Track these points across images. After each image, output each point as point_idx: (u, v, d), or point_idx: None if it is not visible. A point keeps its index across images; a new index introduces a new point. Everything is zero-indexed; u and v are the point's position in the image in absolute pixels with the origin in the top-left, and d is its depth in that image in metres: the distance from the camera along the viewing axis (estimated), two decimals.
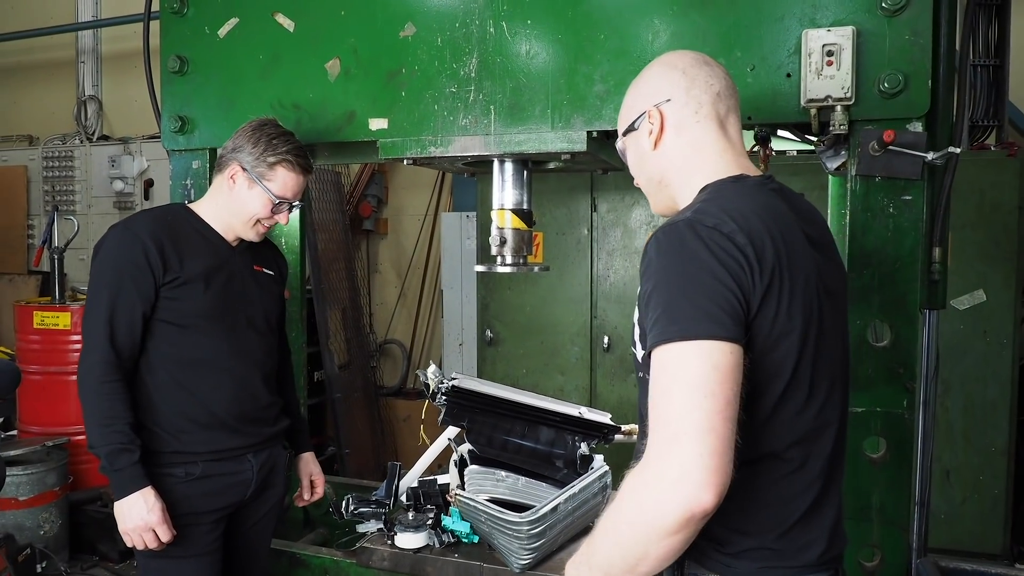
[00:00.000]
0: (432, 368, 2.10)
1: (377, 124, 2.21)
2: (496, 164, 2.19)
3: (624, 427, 2.15)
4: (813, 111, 1.81)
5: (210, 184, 2.07)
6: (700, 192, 1.19)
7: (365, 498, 2.13)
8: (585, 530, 1.15)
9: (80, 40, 5.94)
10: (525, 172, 2.19)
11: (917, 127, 1.79)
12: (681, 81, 1.24)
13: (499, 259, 2.18)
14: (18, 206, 5.53)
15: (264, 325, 1.98)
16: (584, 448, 2.10)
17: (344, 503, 2.12)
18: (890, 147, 1.76)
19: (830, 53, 1.77)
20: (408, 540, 1.95)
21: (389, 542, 1.99)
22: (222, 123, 2.36)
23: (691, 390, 0.97)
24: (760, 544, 1.13)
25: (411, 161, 2.21)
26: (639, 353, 1.14)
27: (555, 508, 1.78)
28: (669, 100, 1.24)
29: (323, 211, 4.76)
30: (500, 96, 2.08)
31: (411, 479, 2.18)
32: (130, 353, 1.79)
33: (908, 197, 1.82)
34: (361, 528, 2.13)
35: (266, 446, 1.98)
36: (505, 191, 2.18)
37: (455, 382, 2.05)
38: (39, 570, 3.32)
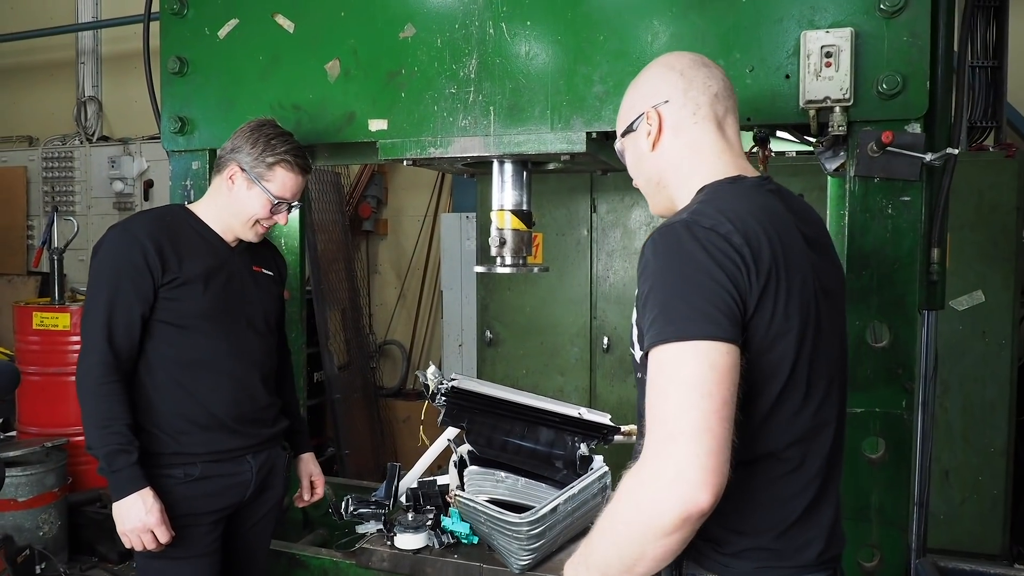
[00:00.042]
0: (432, 369, 2.10)
1: (377, 125, 2.21)
2: (495, 165, 2.19)
3: (624, 428, 2.15)
4: (812, 112, 1.82)
5: (209, 185, 2.07)
6: (698, 193, 1.20)
7: (365, 499, 2.13)
8: (585, 531, 1.15)
9: (80, 41, 5.94)
10: (524, 173, 2.19)
11: (915, 128, 1.79)
12: (679, 83, 1.24)
13: (499, 260, 2.19)
14: (18, 207, 5.53)
15: (263, 326, 1.98)
16: (584, 449, 2.10)
17: (344, 504, 2.12)
18: (888, 148, 1.77)
19: (829, 54, 1.78)
20: (408, 541, 1.96)
21: (389, 543, 1.99)
22: (222, 124, 2.36)
23: (688, 390, 0.98)
24: (758, 544, 1.13)
25: (411, 162, 2.21)
26: (637, 354, 1.14)
27: (555, 509, 1.78)
28: (667, 101, 1.25)
29: (323, 212, 4.76)
30: (500, 97, 2.09)
31: (411, 480, 2.18)
32: (128, 354, 1.79)
33: (907, 198, 1.82)
34: (360, 529, 2.13)
35: (265, 447, 1.98)
36: (505, 192, 2.18)
37: (454, 383, 2.06)
38: (38, 571, 3.32)
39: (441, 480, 2.13)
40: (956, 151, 1.83)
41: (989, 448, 3.37)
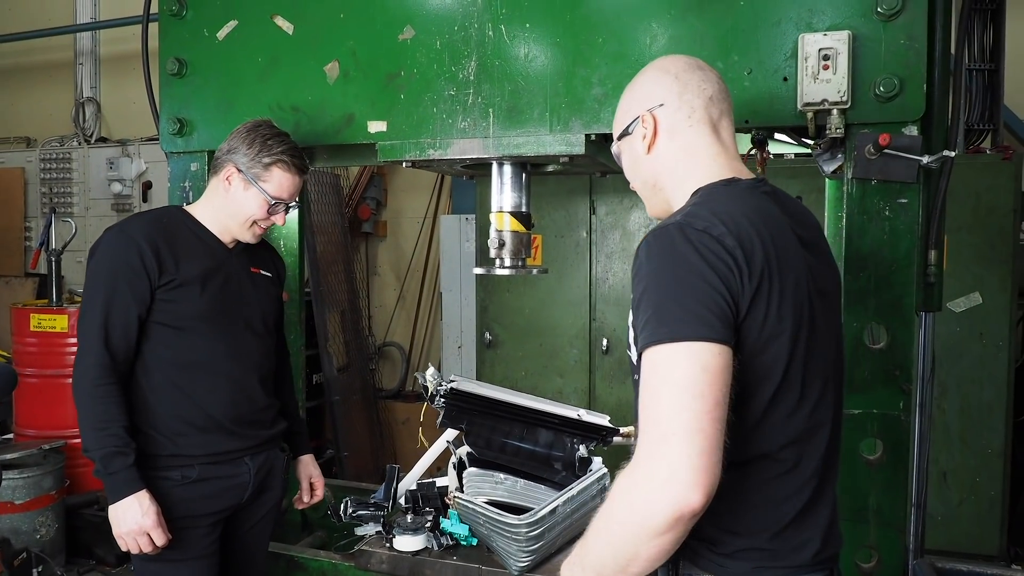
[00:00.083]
0: (431, 370, 2.10)
1: (376, 127, 2.22)
2: (495, 167, 2.19)
3: (623, 429, 2.15)
4: (809, 115, 1.82)
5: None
6: (692, 195, 1.20)
7: (364, 501, 2.13)
8: (583, 532, 1.16)
9: (78, 42, 5.94)
10: (524, 175, 2.19)
11: (912, 131, 1.80)
12: (674, 86, 1.25)
13: (498, 261, 2.19)
14: (15, 208, 5.53)
15: (261, 327, 1.98)
16: (583, 450, 2.10)
17: (343, 506, 2.12)
18: (886, 150, 1.77)
19: (826, 57, 1.78)
20: (407, 543, 1.96)
21: (388, 545, 1.99)
22: (221, 125, 2.36)
23: (680, 391, 0.98)
24: (753, 544, 1.13)
25: (410, 164, 2.22)
26: (634, 356, 1.14)
27: (554, 510, 1.78)
28: (662, 105, 1.25)
29: (322, 213, 4.76)
30: (499, 99, 2.09)
31: (410, 482, 2.18)
32: (125, 356, 1.79)
33: (904, 200, 1.82)
34: (360, 531, 2.13)
35: (263, 449, 1.97)
36: (504, 194, 2.18)
37: (454, 384, 2.06)
38: (35, 574, 3.31)
39: (440, 482, 2.13)
40: (953, 154, 1.83)
41: (986, 449, 3.37)
